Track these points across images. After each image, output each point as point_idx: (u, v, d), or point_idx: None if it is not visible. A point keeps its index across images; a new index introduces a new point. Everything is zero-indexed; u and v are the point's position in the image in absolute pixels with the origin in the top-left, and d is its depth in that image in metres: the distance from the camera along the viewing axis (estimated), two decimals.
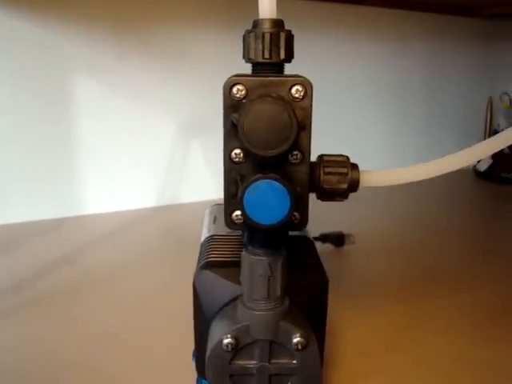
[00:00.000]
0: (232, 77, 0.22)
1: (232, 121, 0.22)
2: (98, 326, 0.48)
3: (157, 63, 0.84)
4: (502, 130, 1.31)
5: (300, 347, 0.26)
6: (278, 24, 0.23)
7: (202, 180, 0.92)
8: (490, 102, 1.30)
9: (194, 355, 0.34)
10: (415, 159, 1.28)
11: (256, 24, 0.23)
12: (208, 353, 0.26)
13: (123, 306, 0.52)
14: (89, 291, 0.55)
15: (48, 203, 0.79)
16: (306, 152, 0.23)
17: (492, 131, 1.31)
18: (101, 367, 0.42)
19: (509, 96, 1.32)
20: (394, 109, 1.22)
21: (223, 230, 0.36)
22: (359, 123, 1.13)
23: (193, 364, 0.34)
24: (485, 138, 1.31)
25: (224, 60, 0.88)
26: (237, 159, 0.23)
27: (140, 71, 0.83)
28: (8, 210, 0.77)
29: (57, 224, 0.76)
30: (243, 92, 0.22)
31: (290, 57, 0.23)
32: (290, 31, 0.23)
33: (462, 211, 0.92)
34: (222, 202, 0.44)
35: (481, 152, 0.24)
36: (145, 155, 0.87)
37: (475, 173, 1.20)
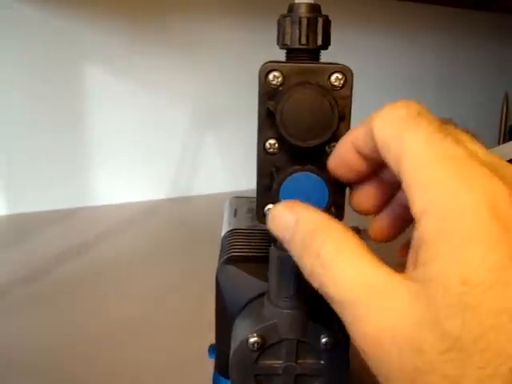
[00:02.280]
0: (268, 63, 0.21)
1: (268, 109, 0.21)
2: (110, 317, 0.48)
3: (171, 52, 0.83)
4: None
5: (328, 347, 0.25)
6: (315, 9, 0.22)
7: (215, 172, 0.91)
8: (506, 98, 1.28)
9: (210, 351, 0.33)
10: None
11: (292, 8, 0.22)
12: (232, 352, 0.25)
13: (135, 297, 0.52)
14: (101, 282, 0.55)
15: (61, 193, 0.79)
16: None
17: (508, 127, 1.29)
18: (113, 359, 0.41)
19: None
20: None
21: (244, 223, 0.35)
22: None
23: (207, 360, 0.33)
24: (500, 134, 1.29)
25: (240, 50, 0.87)
26: (271, 150, 0.22)
27: (154, 60, 0.82)
28: (20, 199, 0.76)
29: (70, 214, 0.76)
30: (280, 79, 0.21)
31: (327, 43, 0.22)
32: (327, 16, 0.22)
33: None
34: (239, 194, 0.43)
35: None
36: (158, 146, 0.86)
37: None
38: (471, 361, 0.15)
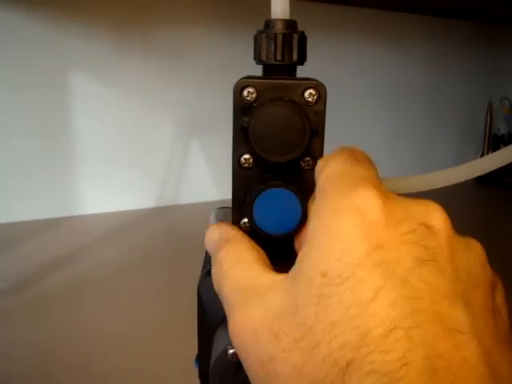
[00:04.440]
0: (242, 79, 0.22)
1: (242, 125, 0.21)
2: (96, 327, 0.47)
3: (157, 62, 0.84)
4: (503, 134, 1.31)
5: None
6: (290, 25, 0.22)
7: (202, 181, 0.91)
8: (490, 107, 1.30)
9: (197, 361, 0.33)
10: (414, 162, 1.28)
11: (268, 24, 0.22)
12: (212, 363, 0.25)
13: (121, 307, 0.52)
14: (86, 293, 0.55)
15: (45, 203, 0.78)
16: (318, 158, 0.22)
17: (492, 135, 1.31)
18: (98, 370, 0.41)
19: (509, 100, 1.32)
20: (393, 112, 1.21)
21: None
22: (355, 127, 1.12)
23: (194, 369, 0.33)
24: (485, 142, 1.30)
25: (225, 59, 0.88)
26: (246, 165, 0.22)
27: (140, 69, 0.82)
28: (5, 209, 0.76)
29: (54, 224, 0.75)
30: (254, 95, 0.21)
31: (302, 59, 0.22)
32: (303, 32, 0.23)
33: (462, 215, 0.91)
34: (226, 204, 0.43)
35: (494, 162, 0.24)
36: (144, 155, 0.86)
37: (475, 177, 1.19)
38: (317, 351, 0.16)
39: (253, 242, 0.22)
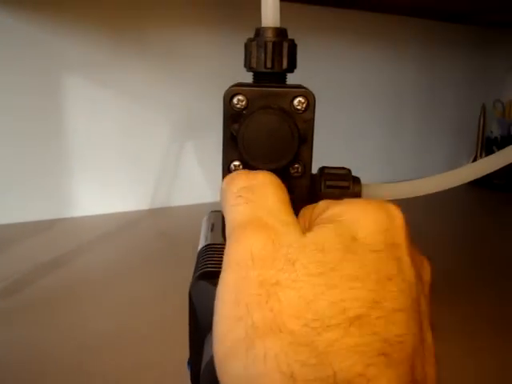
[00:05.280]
0: (232, 86, 0.22)
1: (231, 132, 0.22)
2: (89, 330, 0.47)
3: (151, 64, 0.84)
4: (496, 137, 1.32)
5: None
6: (281, 33, 0.22)
7: (196, 183, 0.91)
8: (483, 109, 1.31)
9: (188, 363, 0.33)
10: (408, 164, 1.28)
11: (258, 32, 0.23)
12: (203, 367, 0.26)
13: (114, 309, 0.52)
14: (79, 294, 0.55)
15: (39, 204, 0.78)
16: (307, 165, 0.23)
17: (485, 138, 1.32)
18: (92, 372, 0.41)
19: (502, 103, 1.33)
20: (387, 115, 1.22)
21: (220, 238, 0.35)
22: (351, 130, 1.13)
23: (186, 372, 0.33)
24: (478, 145, 1.31)
25: (219, 61, 0.88)
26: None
27: (134, 72, 0.82)
28: None
29: (48, 226, 0.75)
30: (244, 102, 0.22)
31: (292, 66, 0.23)
32: (292, 40, 0.23)
33: (454, 217, 0.92)
34: (220, 207, 0.43)
35: (490, 166, 0.24)
36: (138, 157, 0.86)
37: None
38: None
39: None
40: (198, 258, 0.34)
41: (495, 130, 1.32)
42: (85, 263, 0.63)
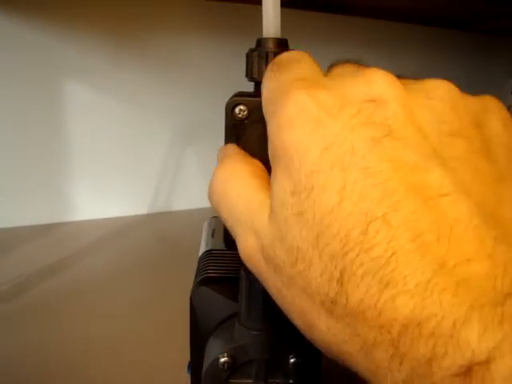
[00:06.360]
0: (234, 96, 0.22)
1: (233, 142, 0.22)
2: (87, 335, 0.48)
3: (151, 69, 0.84)
4: None
5: (297, 367, 0.26)
6: (282, 44, 0.23)
7: (195, 187, 0.91)
8: None
9: (189, 367, 0.33)
10: None
11: (259, 43, 0.23)
12: (204, 371, 0.26)
13: (114, 314, 0.52)
14: (78, 299, 0.55)
15: (38, 209, 0.78)
16: None
17: None
18: (90, 376, 0.41)
19: None
20: None
21: (221, 244, 0.35)
22: None
23: (186, 376, 0.34)
24: None
25: (219, 65, 0.89)
26: None
27: (134, 77, 0.82)
28: None
29: (47, 230, 0.75)
30: (245, 112, 0.22)
31: None
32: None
33: None
34: None
35: None
36: (137, 161, 0.86)
37: None
38: (313, 269, 0.16)
39: (249, 157, 0.21)
40: (199, 263, 0.34)
41: None
42: (84, 268, 0.63)
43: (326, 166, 0.16)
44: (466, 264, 0.14)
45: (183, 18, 0.86)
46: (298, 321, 0.17)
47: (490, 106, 0.19)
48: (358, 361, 0.15)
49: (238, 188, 0.20)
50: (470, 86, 1.33)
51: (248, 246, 0.18)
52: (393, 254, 0.14)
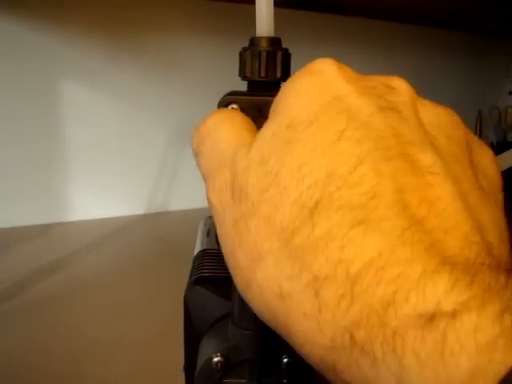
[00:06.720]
0: (227, 95, 0.22)
1: None
2: (85, 334, 0.48)
3: (149, 69, 0.84)
4: (492, 143, 1.33)
5: (290, 366, 0.26)
6: (275, 43, 0.23)
7: (192, 187, 0.91)
8: (480, 116, 1.32)
9: (183, 368, 0.33)
10: None
11: (253, 42, 0.23)
12: (197, 370, 0.26)
13: (111, 314, 0.52)
14: (75, 299, 0.55)
15: (35, 209, 0.78)
16: None
17: None
18: (88, 376, 0.41)
19: (498, 110, 1.34)
20: None
21: (216, 243, 0.35)
22: None
23: (181, 376, 0.33)
24: None
25: (216, 66, 0.89)
26: None
27: (132, 77, 0.82)
28: None
29: (44, 230, 0.75)
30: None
31: (286, 75, 0.23)
32: (286, 50, 0.23)
33: None
34: None
35: None
36: (134, 161, 0.86)
37: None
38: (285, 196, 0.16)
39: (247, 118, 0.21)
40: (194, 263, 0.34)
41: (491, 136, 1.33)
42: (81, 268, 0.63)
43: (332, 110, 0.16)
44: (443, 232, 0.14)
45: (181, 19, 0.86)
46: (243, 258, 0.17)
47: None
48: (299, 300, 0.15)
49: (228, 131, 0.20)
50: (468, 85, 1.34)
51: (217, 184, 0.19)
52: (374, 197, 0.14)
